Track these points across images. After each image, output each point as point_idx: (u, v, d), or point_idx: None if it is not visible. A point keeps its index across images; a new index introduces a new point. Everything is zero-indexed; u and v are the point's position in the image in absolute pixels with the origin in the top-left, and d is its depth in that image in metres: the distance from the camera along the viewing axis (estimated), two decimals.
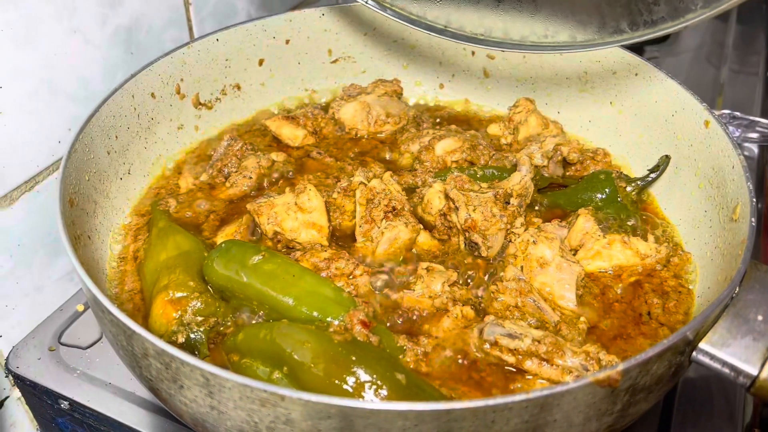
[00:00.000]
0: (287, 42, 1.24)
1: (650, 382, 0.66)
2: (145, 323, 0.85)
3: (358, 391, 0.69)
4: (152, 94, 1.08)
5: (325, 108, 1.24)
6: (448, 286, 0.87)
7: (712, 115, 0.94)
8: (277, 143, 1.18)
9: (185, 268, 0.87)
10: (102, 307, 0.69)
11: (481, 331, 0.81)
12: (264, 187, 1.07)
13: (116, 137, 1.01)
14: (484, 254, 0.91)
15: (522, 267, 0.89)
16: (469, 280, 0.91)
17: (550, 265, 0.88)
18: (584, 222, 0.94)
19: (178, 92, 1.13)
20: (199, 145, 1.18)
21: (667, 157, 1.02)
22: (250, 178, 1.06)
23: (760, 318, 0.70)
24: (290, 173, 1.10)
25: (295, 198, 0.94)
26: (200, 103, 1.18)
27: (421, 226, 0.95)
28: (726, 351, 0.68)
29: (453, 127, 1.18)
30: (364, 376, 0.70)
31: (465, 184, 0.96)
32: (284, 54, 1.25)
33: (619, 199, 0.99)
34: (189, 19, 1.23)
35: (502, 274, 0.89)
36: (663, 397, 0.89)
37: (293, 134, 1.16)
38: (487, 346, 0.79)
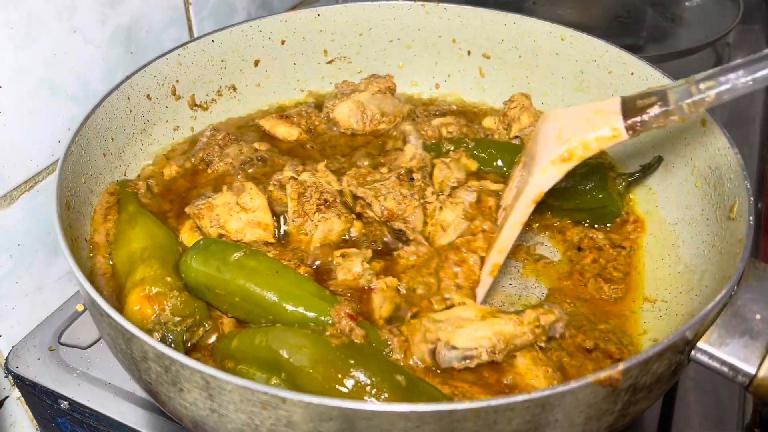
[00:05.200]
0: (283, 43, 1.23)
1: (650, 381, 0.66)
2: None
3: (358, 395, 0.69)
4: (148, 96, 1.08)
5: (319, 106, 1.23)
6: (367, 263, 0.89)
7: (709, 114, 0.94)
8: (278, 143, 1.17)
9: (162, 262, 0.85)
10: (100, 310, 0.68)
11: (433, 354, 0.79)
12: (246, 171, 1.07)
13: (112, 139, 1.01)
14: (411, 237, 0.93)
15: (429, 233, 0.93)
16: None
17: (450, 226, 0.91)
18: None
19: (174, 93, 1.13)
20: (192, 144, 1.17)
21: (660, 158, 1.03)
22: (232, 165, 1.06)
23: (758, 317, 0.70)
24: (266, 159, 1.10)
25: (236, 198, 0.94)
26: (196, 105, 1.18)
27: (354, 216, 0.96)
28: (724, 350, 0.68)
29: (448, 117, 1.19)
30: (363, 378, 0.70)
31: (366, 177, 0.96)
32: (280, 55, 1.24)
33: (606, 187, 1.00)
34: (189, 19, 1.23)
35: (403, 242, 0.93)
36: (663, 396, 0.90)
37: (287, 133, 1.16)
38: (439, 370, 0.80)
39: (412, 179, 0.94)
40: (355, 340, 0.77)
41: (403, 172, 0.94)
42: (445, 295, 0.87)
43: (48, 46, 0.96)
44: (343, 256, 0.90)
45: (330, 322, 0.78)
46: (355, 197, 0.94)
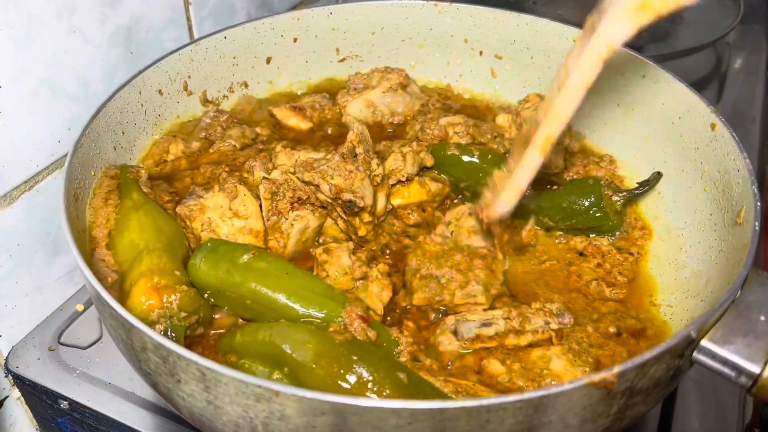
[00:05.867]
0: (295, 40, 1.24)
1: (648, 385, 0.66)
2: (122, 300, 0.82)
3: (360, 391, 0.69)
4: (159, 91, 1.09)
5: (332, 97, 1.24)
6: (353, 255, 0.89)
7: (719, 118, 0.93)
8: (280, 129, 1.19)
9: (171, 255, 0.85)
10: (102, 300, 0.69)
11: (455, 333, 0.83)
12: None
13: (123, 133, 1.02)
14: (361, 205, 0.92)
15: (452, 232, 0.95)
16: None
17: (478, 235, 0.94)
18: None
19: (186, 89, 1.14)
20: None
21: (659, 174, 1.02)
22: (234, 146, 1.08)
23: (762, 318, 0.69)
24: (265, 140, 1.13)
25: (229, 202, 0.93)
26: (207, 101, 1.19)
27: (326, 211, 0.97)
28: (728, 348, 0.67)
29: (461, 114, 1.19)
30: (366, 375, 0.70)
31: (312, 164, 0.96)
32: (292, 52, 1.25)
33: (602, 206, 0.98)
34: (189, 19, 1.24)
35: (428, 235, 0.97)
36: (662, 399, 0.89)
37: (298, 126, 1.17)
38: (465, 343, 0.83)
39: (355, 155, 0.94)
40: (357, 334, 0.77)
41: (345, 150, 0.95)
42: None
43: (48, 46, 0.96)
44: (326, 251, 0.90)
45: (342, 323, 0.79)
46: (305, 183, 0.95)
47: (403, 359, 0.80)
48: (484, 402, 0.58)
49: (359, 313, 0.79)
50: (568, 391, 0.60)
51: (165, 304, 0.79)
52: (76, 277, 1.12)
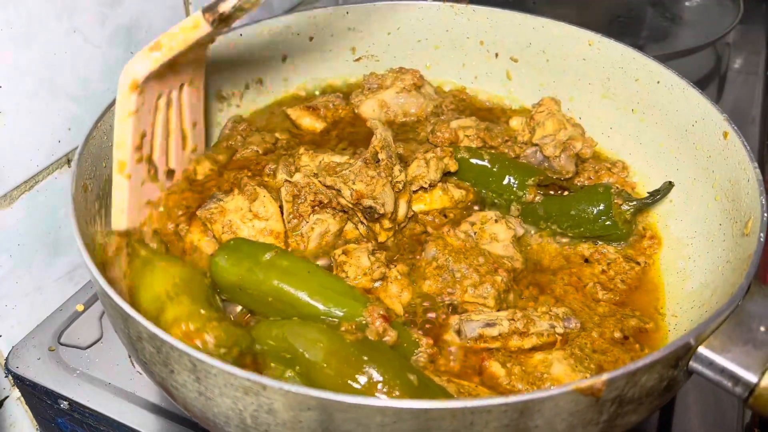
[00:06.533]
0: (311, 39, 1.25)
1: (638, 394, 0.65)
2: None
3: (369, 391, 0.69)
4: None
5: (346, 96, 1.24)
6: (372, 256, 0.89)
7: (732, 127, 0.92)
8: (296, 129, 1.20)
9: (191, 296, 0.82)
10: (102, 290, 0.71)
11: (459, 333, 0.83)
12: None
13: None
14: (382, 212, 0.92)
15: (475, 233, 0.96)
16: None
17: (499, 243, 0.93)
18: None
19: None
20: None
21: (670, 184, 1.00)
22: (257, 151, 1.09)
23: (762, 329, 0.69)
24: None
25: (249, 204, 0.94)
26: (222, 97, 1.20)
27: (347, 215, 0.96)
28: (726, 356, 0.67)
29: (473, 117, 1.19)
30: (376, 376, 0.70)
31: (335, 168, 0.96)
32: (308, 51, 1.26)
33: (611, 214, 0.97)
34: None
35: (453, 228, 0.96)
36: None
37: (313, 125, 1.18)
38: (468, 342, 0.83)
39: (377, 161, 0.94)
40: (387, 340, 0.77)
41: (368, 155, 0.94)
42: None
43: (48, 46, 0.97)
44: (345, 253, 0.90)
45: (363, 322, 0.79)
46: (327, 187, 0.94)
47: (422, 360, 0.80)
48: (468, 404, 0.58)
49: (381, 312, 0.79)
50: (555, 396, 0.59)
51: (202, 347, 0.76)
52: (76, 277, 1.13)
